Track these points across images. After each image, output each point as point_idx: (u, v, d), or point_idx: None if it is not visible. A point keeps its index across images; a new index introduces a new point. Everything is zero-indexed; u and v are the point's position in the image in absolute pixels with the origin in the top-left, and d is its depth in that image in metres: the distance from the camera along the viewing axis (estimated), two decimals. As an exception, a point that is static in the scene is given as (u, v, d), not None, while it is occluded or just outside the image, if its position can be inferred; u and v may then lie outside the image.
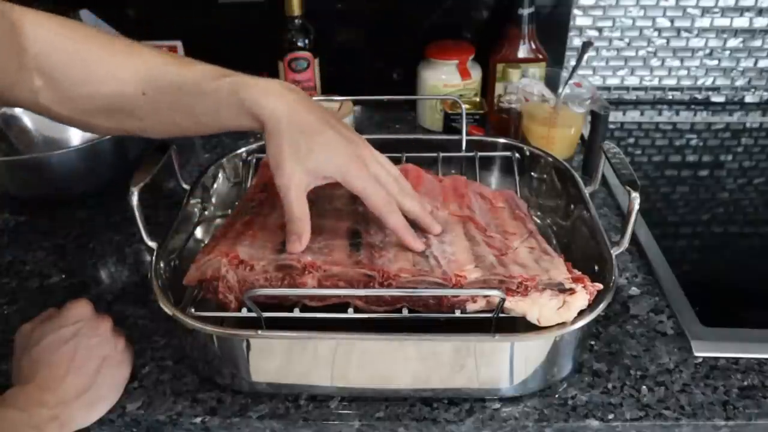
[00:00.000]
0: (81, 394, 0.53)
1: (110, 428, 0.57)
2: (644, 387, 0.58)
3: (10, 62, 0.53)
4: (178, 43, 1.07)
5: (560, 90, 0.90)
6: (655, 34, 1.09)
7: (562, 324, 0.54)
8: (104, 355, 0.56)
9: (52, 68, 0.54)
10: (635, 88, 1.15)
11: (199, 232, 0.73)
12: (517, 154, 0.82)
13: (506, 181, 0.84)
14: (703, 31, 1.09)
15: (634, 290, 0.70)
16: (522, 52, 0.99)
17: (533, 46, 0.99)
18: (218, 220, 0.77)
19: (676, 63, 1.12)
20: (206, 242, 0.67)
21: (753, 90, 1.15)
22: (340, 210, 0.66)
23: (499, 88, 1.00)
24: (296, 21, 0.97)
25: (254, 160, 0.81)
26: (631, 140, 1.06)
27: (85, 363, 0.54)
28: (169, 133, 0.60)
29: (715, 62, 1.12)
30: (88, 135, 0.96)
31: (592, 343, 0.63)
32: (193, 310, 0.58)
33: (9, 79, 0.54)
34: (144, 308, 0.68)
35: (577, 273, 0.57)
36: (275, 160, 0.54)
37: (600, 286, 0.56)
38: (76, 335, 0.55)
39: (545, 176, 0.80)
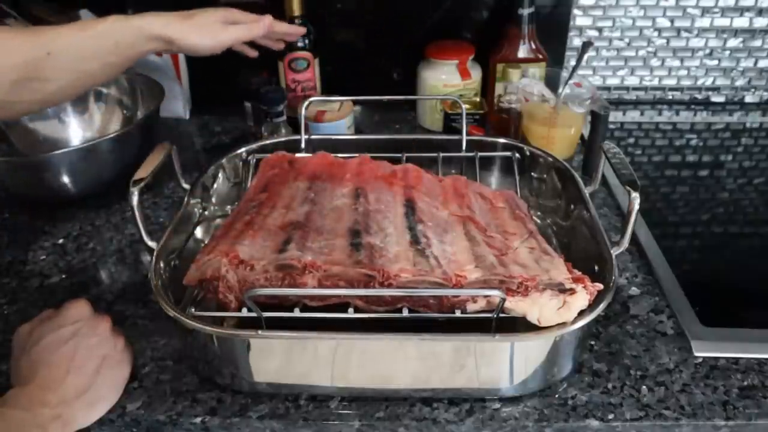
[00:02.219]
0: (81, 393, 0.53)
1: (110, 428, 0.57)
2: (644, 387, 0.58)
3: None
4: (178, 43, 1.06)
5: (560, 90, 0.90)
6: (655, 34, 1.09)
7: (562, 324, 0.54)
8: (104, 355, 0.56)
9: None
10: (635, 88, 1.15)
11: (199, 232, 0.73)
12: (517, 154, 0.82)
13: (506, 181, 0.84)
14: (703, 31, 1.09)
15: (634, 290, 0.70)
16: (522, 52, 0.99)
17: (533, 46, 0.99)
18: (218, 220, 0.77)
19: (676, 63, 1.12)
20: (206, 242, 0.67)
21: (753, 90, 1.15)
22: (340, 210, 0.66)
23: (499, 88, 1.00)
24: (296, 21, 0.97)
25: (254, 160, 0.81)
26: (631, 140, 1.06)
27: (84, 363, 0.54)
28: (81, 86, 0.66)
29: (715, 62, 1.12)
30: (88, 135, 0.97)
31: (592, 343, 0.63)
32: (193, 310, 0.58)
33: None
34: (144, 308, 0.68)
35: (578, 273, 0.57)
36: (200, 41, 0.70)
37: (600, 286, 0.56)
38: (76, 335, 0.55)
39: (545, 176, 0.80)
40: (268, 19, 0.77)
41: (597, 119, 0.87)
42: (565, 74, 1.02)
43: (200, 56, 0.72)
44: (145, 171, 0.64)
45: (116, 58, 0.65)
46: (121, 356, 0.58)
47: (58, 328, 0.55)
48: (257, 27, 0.76)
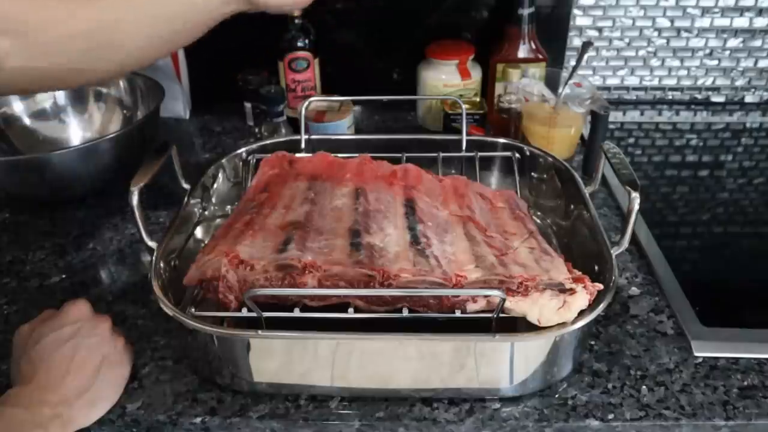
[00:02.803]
0: (81, 393, 0.53)
1: (110, 428, 0.57)
2: (644, 387, 0.58)
3: None
4: (178, 43, 1.06)
5: (560, 90, 0.90)
6: (655, 34, 1.09)
7: (562, 324, 0.54)
8: (104, 355, 0.56)
9: (16, 23, 0.51)
10: (635, 88, 1.15)
11: (199, 232, 0.73)
12: (517, 154, 0.82)
13: (506, 181, 0.84)
14: (703, 31, 1.09)
15: (634, 290, 0.70)
16: (522, 52, 0.99)
17: (533, 46, 0.99)
18: (218, 220, 0.77)
19: (676, 63, 1.12)
20: (206, 242, 0.67)
21: (753, 90, 1.15)
22: (340, 210, 0.66)
23: (499, 88, 1.00)
24: (296, 21, 0.97)
25: (254, 160, 0.81)
26: (631, 140, 1.06)
27: (84, 362, 0.54)
28: (153, 54, 0.60)
29: (715, 62, 1.12)
30: (88, 135, 0.97)
31: (592, 343, 0.63)
32: (193, 310, 0.58)
33: None
34: (144, 308, 0.68)
35: (578, 273, 0.58)
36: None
37: (600, 286, 0.56)
38: (75, 335, 0.55)
39: (545, 176, 0.80)
40: None
41: (597, 119, 0.87)
42: (565, 74, 1.02)
43: (281, 15, 0.67)
44: (145, 171, 0.64)
45: (192, 24, 0.59)
46: (121, 356, 0.58)
47: (58, 328, 0.55)
48: None
